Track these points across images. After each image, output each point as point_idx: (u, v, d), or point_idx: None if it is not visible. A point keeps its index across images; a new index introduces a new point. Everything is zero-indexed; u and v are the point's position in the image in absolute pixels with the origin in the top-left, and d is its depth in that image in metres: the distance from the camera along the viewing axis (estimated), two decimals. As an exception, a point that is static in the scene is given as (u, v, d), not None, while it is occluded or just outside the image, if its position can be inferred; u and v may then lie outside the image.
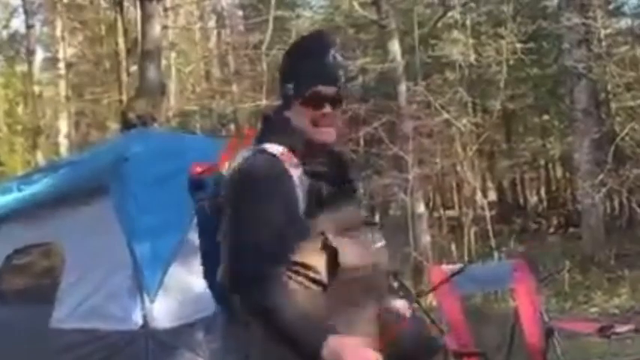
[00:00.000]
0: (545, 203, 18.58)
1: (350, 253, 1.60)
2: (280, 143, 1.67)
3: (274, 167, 1.62)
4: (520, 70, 12.54)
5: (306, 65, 1.76)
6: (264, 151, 1.65)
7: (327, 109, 1.72)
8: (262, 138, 1.72)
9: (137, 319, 3.34)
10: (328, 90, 1.73)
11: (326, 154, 1.75)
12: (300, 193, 1.63)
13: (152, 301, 3.36)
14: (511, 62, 10.86)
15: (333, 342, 1.48)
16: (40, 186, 4.43)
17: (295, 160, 1.65)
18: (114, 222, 3.71)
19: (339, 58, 1.78)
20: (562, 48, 11.03)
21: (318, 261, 1.56)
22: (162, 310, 3.38)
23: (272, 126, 1.76)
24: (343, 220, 1.65)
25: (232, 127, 14.48)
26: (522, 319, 3.65)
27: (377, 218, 10.78)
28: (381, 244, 1.71)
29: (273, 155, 1.64)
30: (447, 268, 4.02)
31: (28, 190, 4.47)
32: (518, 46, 10.35)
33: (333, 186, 1.71)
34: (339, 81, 1.75)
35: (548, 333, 3.56)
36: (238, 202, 1.61)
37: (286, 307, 1.50)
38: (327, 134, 1.74)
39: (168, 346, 3.35)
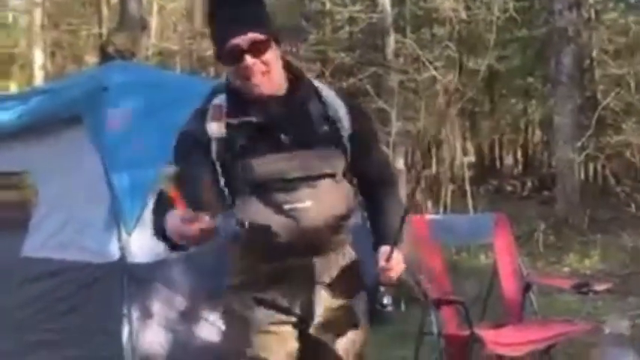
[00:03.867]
0: (520, 166, 18.78)
1: (249, 212, 1.61)
2: (227, 97, 1.68)
3: (192, 126, 1.69)
4: (509, 30, 12.40)
5: (211, 20, 1.65)
6: (197, 110, 1.71)
7: (248, 60, 1.61)
8: (217, 89, 1.72)
9: (114, 252, 3.25)
10: (239, 40, 1.60)
11: (273, 99, 1.66)
12: (215, 146, 1.64)
13: (129, 235, 3.26)
14: (501, 22, 10.71)
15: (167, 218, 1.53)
16: (13, 113, 4.24)
17: (221, 114, 1.65)
18: (89, 153, 3.58)
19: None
20: (553, 9, 10.90)
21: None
22: (139, 245, 3.29)
23: (226, 79, 1.71)
24: (253, 176, 1.63)
25: (212, 69, 14.15)
26: (501, 273, 3.66)
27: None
28: (304, 204, 1.64)
29: (204, 111, 1.68)
30: (428, 217, 4.00)
31: (0, 117, 4.28)
32: (511, 4, 10.20)
33: (270, 135, 1.64)
34: (249, 25, 1.61)
35: (526, 287, 3.58)
36: None
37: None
38: (258, 87, 1.63)
39: (144, 281, 3.27)
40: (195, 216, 1.44)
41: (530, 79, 15.95)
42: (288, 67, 1.72)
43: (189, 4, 13.64)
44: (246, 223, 1.57)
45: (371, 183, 1.80)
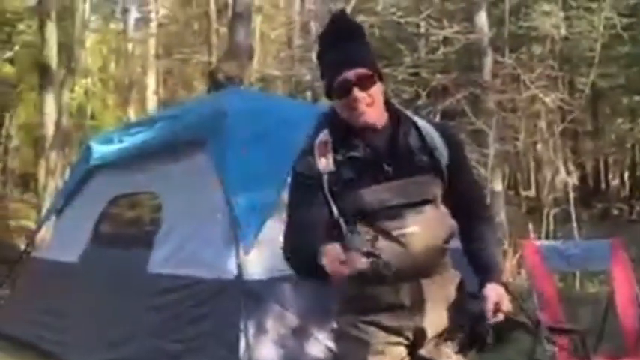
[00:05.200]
0: (627, 188, 17.76)
1: (357, 240, 1.69)
2: (330, 132, 1.81)
3: (304, 164, 1.80)
4: (612, 47, 11.87)
5: (323, 59, 1.85)
6: (305, 148, 1.83)
7: (356, 92, 1.77)
8: (320, 126, 1.85)
9: (232, 268, 3.44)
10: (348, 75, 1.76)
11: (376, 134, 1.80)
12: (326, 181, 1.76)
13: (247, 253, 3.44)
14: (604, 38, 10.29)
15: (322, 248, 1.60)
16: (139, 138, 4.61)
17: (328, 150, 1.78)
18: (210, 174, 3.82)
19: (352, 40, 1.81)
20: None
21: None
22: (255, 262, 3.46)
23: (327, 115, 1.87)
24: (362, 206, 1.74)
25: (309, 94, 14.50)
26: (618, 301, 3.53)
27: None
28: (412, 229, 1.75)
29: (311, 149, 1.80)
30: (539, 243, 3.92)
31: (128, 142, 4.66)
32: (616, 20, 9.80)
33: (375, 167, 1.76)
34: (357, 62, 1.78)
35: (645, 317, 3.43)
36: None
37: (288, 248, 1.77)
38: (364, 116, 1.79)
39: (259, 298, 3.43)
40: (352, 258, 1.57)
41: (637, 97, 15.14)
42: (387, 103, 1.88)
43: (289, 31, 14.12)
44: (381, 255, 1.68)
45: (464, 207, 1.88)
